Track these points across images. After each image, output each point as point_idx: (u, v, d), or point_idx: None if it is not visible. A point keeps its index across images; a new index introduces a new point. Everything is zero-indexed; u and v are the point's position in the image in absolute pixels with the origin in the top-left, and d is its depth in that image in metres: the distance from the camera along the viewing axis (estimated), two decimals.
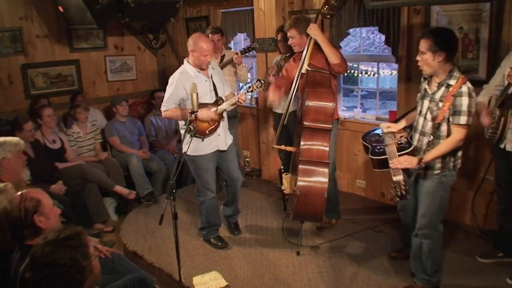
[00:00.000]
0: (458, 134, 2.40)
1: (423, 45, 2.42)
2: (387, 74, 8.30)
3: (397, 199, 2.43)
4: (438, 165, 2.49)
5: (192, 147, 3.16)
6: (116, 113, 4.93)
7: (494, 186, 3.31)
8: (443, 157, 2.46)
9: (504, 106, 2.68)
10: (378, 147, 2.74)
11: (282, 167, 3.57)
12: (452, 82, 2.41)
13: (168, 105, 3.23)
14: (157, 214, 2.43)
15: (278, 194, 4.18)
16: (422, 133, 2.55)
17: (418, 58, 2.50)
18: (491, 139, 2.81)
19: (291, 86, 3.37)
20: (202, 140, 3.24)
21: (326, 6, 3.31)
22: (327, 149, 3.14)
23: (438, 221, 2.61)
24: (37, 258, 1.49)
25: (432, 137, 2.42)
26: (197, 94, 2.65)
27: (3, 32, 4.87)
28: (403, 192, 2.38)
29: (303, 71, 3.30)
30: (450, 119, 2.40)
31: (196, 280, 3.09)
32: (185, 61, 3.30)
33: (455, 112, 2.37)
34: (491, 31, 3.16)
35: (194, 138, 3.04)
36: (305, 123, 3.12)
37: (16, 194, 1.94)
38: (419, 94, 2.64)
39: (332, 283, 2.98)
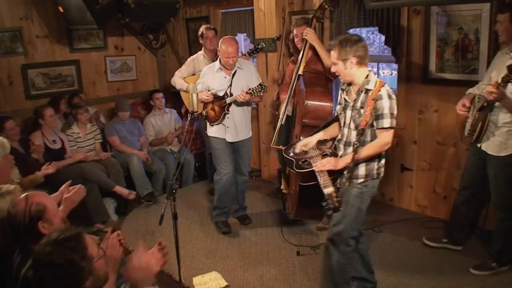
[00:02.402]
0: (383, 137, 2.34)
1: (333, 56, 2.40)
2: (387, 74, 8.30)
3: (330, 212, 2.22)
4: (363, 173, 2.42)
5: (208, 128, 3.78)
6: (118, 115, 4.93)
7: None
8: (368, 164, 2.41)
9: (484, 111, 2.77)
10: (303, 160, 2.62)
11: (281, 167, 3.59)
12: (370, 86, 2.36)
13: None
14: (157, 214, 2.43)
15: (278, 194, 4.18)
16: (348, 144, 2.47)
17: (333, 69, 2.47)
18: (469, 138, 2.92)
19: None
20: (211, 125, 3.73)
21: (320, 10, 3.39)
22: None
23: (352, 236, 2.50)
24: (38, 257, 1.51)
25: (358, 143, 2.32)
26: (197, 94, 2.66)
27: (3, 32, 4.86)
28: (336, 204, 2.18)
29: (300, 72, 3.37)
30: (374, 124, 2.35)
31: (196, 280, 3.09)
32: (219, 56, 3.64)
33: (378, 116, 2.32)
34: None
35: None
36: (304, 120, 3.18)
37: (21, 198, 1.88)
38: (339, 106, 2.59)
39: None
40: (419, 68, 3.69)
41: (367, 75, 2.39)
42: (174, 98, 5.55)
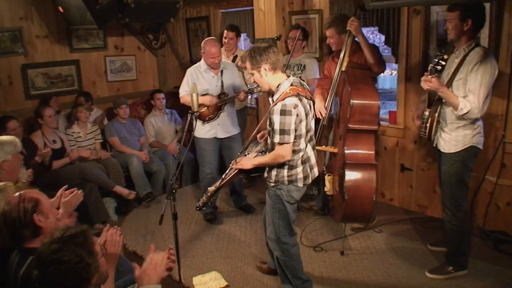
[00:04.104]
0: (276, 150, 2.42)
1: (248, 68, 2.48)
2: (387, 74, 8.31)
3: (197, 208, 2.68)
4: (273, 178, 2.53)
5: (197, 129, 3.80)
6: (117, 115, 4.93)
7: (493, 186, 3.33)
8: (278, 171, 2.50)
9: (433, 106, 2.79)
10: (244, 154, 2.81)
11: (325, 169, 3.55)
12: (275, 97, 2.43)
13: (181, 92, 3.85)
14: (157, 214, 2.44)
15: None
16: (270, 148, 2.56)
17: (251, 80, 2.58)
18: (423, 136, 2.91)
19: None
20: (202, 124, 3.81)
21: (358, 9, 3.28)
22: (373, 152, 3.07)
23: (283, 234, 2.60)
24: (43, 255, 1.50)
25: (246, 151, 2.59)
26: (197, 94, 2.65)
27: (3, 32, 4.86)
28: (200, 204, 2.62)
29: (343, 68, 3.26)
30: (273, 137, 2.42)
31: (196, 280, 3.09)
32: (203, 57, 3.81)
33: (272, 129, 2.39)
34: (491, 31, 3.16)
35: (199, 122, 3.79)
36: (349, 125, 3.02)
37: (14, 195, 1.93)
38: None
39: (332, 283, 2.98)
40: (419, 68, 3.69)
41: (279, 84, 2.43)
42: (174, 98, 5.54)
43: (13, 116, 4.16)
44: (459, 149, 2.74)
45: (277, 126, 2.33)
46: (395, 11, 3.67)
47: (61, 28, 5.24)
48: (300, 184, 2.54)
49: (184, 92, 3.82)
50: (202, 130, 3.85)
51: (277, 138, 2.36)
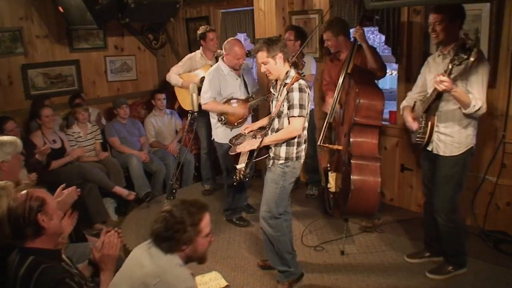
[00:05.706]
0: (292, 124, 2.68)
1: (260, 57, 2.69)
2: (387, 74, 8.30)
3: (235, 183, 2.80)
4: (283, 155, 2.74)
5: (221, 136, 3.74)
6: (117, 115, 4.93)
7: (493, 186, 3.33)
8: (287, 148, 2.73)
9: (430, 111, 2.74)
10: (237, 144, 3.00)
11: (329, 166, 3.59)
12: (288, 81, 2.69)
13: (206, 98, 3.62)
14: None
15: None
16: (273, 130, 2.79)
17: (262, 70, 2.74)
18: (419, 144, 2.85)
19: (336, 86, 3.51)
20: (231, 130, 3.69)
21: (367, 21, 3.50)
22: (377, 145, 3.22)
23: (278, 211, 2.80)
24: (171, 204, 1.87)
25: (268, 129, 2.76)
26: (197, 94, 2.66)
27: (3, 32, 4.86)
28: (241, 176, 2.70)
29: (348, 71, 3.39)
30: (287, 113, 2.67)
31: (196, 280, 3.09)
32: (220, 60, 3.73)
33: (289, 106, 2.65)
34: (491, 31, 3.16)
35: (223, 128, 3.70)
36: (356, 119, 3.18)
37: (21, 193, 1.93)
38: (272, 99, 2.92)
39: (332, 283, 2.98)
40: (419, 68, 3.67)
41: (287, 72, 2.72)
42: (174, 98, 5.53)
43: (10, 117, 4.16)
44: (462, 151, 2.71)
45: (296, 101, 2.61)
46: (395, 11, 3.67)
47: (61, 28, 5.24)
48: (302, 160, 2.82)
49: (209, 99, 3.61)
50: (229, 135, 3.54)
51: (296, 112, 2.62)
